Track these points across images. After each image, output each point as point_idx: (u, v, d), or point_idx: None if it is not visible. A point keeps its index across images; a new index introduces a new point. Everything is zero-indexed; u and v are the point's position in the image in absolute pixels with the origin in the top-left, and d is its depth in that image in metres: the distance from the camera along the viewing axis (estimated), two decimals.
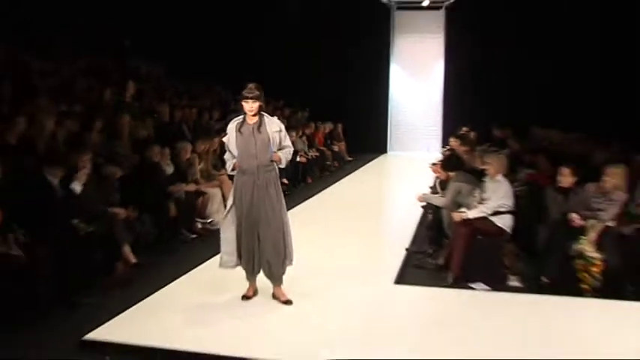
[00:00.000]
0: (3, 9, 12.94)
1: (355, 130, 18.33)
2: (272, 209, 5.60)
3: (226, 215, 5.72)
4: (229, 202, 5.73)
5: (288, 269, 5.75)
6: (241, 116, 5.69)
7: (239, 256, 5.68)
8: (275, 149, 5.65)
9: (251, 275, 5.76)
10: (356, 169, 15.53)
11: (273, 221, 5.61)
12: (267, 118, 5.70)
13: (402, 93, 20.07)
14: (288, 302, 5.65)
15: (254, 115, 5.61)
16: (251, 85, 5.59)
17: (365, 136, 18.88)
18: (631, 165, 7.33)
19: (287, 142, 5.77)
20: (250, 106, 5.55)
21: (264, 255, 5.60)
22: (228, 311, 5.48)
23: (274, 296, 5.73)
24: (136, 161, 8.21)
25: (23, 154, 6.87)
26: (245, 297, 5.75)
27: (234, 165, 5.65)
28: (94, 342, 4.78)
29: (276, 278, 5.71)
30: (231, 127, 5.71)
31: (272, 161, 5.65)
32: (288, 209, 10.20)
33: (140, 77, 13.86)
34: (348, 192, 12.58)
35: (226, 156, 5.78)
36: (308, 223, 9.29)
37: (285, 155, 5.73)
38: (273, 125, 5.67)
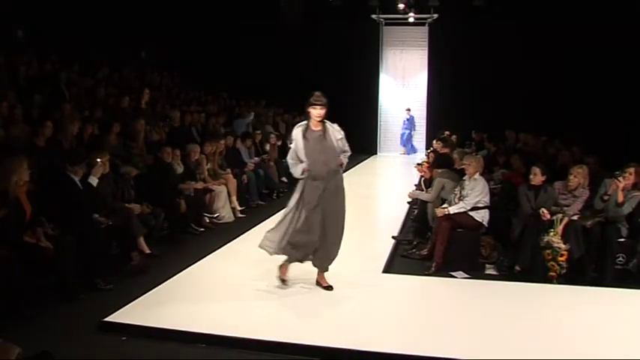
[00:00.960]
0: (35, 26, 13.02)
1: (348, 133, 18.22)
2: (336, 213, 5.51)
3: (289, 212, 5.52)
4: (292, 202, 5.50)
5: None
6: (304, 122, 5.56)
7: (280, 247, 5.53)
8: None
9: (295, 262, 5.64)
10: (349, 169, 15.45)
11: (337, 224, 5.51)
12: (329, 124, 5.57)
13: (391, 100, 20.12)
14: (328, 288, 5.60)
15: (319, 122, 5.50)
16: (318, 93, 5.49)
17: (357, 138, 18.57)
18: (587, 165, 7.39)
19: (347, 147, 5.69)
20: (318, 112, 5.45)
21: (324, 251, 5.52)
22: (235, 296, 5.50)
23: (317, 283, 5.67)
24: (149, 161, 8.22)
25: (50, 154, 6.88)
26: (283, 280, 5.68)
27: (303, 169, 5.44)
28: (112, 323, 4.80)
29: (324, 268, 5.65)
30: (297, 132, 5.53)
31: (339, 166, 5.54)
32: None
33: (154, 86, 13.84)
34: None
35: (291, 160, 5.56)
36: None
37: (345, 160, 5.66)
38: (337, 133, 5.57)
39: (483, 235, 6.85)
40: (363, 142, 19.33)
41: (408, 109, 19.64)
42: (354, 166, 16.39)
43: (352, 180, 14.90)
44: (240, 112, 14.62)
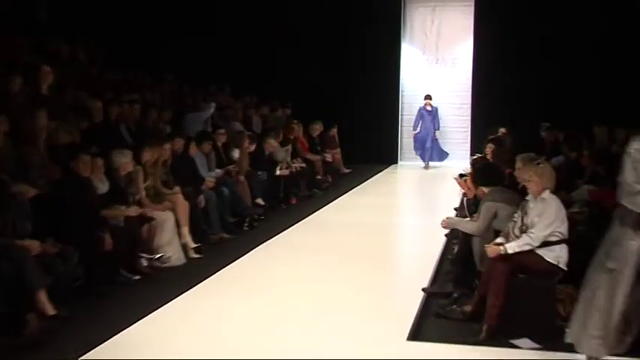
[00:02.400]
0: None
1: (354, 134, 18.37)
2: None
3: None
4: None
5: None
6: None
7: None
8: None
9: None
10: (356, 186, 15.53)
11: None
12: None
13: (417, 82, 20.09)
14: None
15: None
16: None
17: (368, 141, 18.91)
18: None
19: None
20: None
21: None
22: None
23: None
24: (56, 176, 8.16)
25: None
26: None
27: None
28: None
29: None
30: None
31: None
32: (267, 239, 10.19)
33: (61, 62, 13.76)
34: (346, 216, 12.55)
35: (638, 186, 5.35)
36: (294, 258, 9.26)
37: None
38: None
39: (560, 284, 6.79)
40: (378, 147, 19.40)
41: (428, 97, 19.37)
42: (366, 180, 16.47)
43: (364, 201, 15.01)
44: (194, 102, 14.61)
